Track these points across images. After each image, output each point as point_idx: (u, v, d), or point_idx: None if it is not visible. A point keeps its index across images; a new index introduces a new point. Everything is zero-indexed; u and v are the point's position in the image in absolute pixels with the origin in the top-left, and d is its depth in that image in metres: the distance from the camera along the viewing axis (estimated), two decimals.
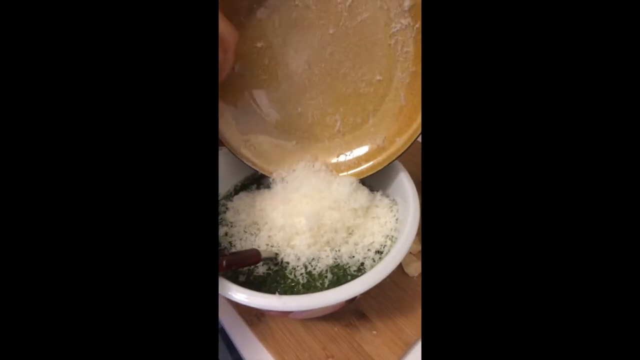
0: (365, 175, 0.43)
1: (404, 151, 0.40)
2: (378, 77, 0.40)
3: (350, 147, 0.44)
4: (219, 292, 0.32)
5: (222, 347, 0.83)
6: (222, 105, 0.43)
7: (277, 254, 0.39)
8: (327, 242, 0.39)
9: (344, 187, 0.44)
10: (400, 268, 0.44)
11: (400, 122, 0.40)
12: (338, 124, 0.43)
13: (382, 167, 0.41)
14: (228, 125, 0.43)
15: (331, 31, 0.38)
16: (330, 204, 0.41)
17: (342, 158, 0.44)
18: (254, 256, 0.36)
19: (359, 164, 0.43)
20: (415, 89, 0.38)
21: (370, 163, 0.42)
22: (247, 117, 0.44)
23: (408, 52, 0.37)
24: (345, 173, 0.44)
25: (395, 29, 0.37)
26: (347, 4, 0.37)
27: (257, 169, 0.44)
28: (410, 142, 0.39)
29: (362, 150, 0.43)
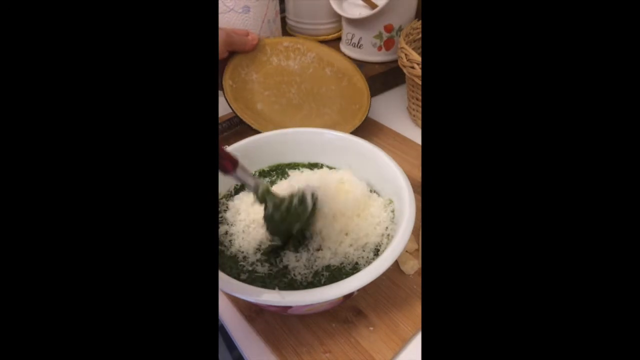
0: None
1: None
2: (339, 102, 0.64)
3: (321, 111, 0.63)
4: (220, 287, 0.33)
5: (221, 346, 0.84)
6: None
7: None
8: (325, 241, 0.40)
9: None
10: (396, 266, 0.45)
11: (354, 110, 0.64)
12: (312, 111, 0.63)
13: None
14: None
15: (302, 86, 0.64)
16: (327, 204, 0.42)
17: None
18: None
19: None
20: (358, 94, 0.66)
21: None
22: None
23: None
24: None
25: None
26: (297, 70, 0.65)
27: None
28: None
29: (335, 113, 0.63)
